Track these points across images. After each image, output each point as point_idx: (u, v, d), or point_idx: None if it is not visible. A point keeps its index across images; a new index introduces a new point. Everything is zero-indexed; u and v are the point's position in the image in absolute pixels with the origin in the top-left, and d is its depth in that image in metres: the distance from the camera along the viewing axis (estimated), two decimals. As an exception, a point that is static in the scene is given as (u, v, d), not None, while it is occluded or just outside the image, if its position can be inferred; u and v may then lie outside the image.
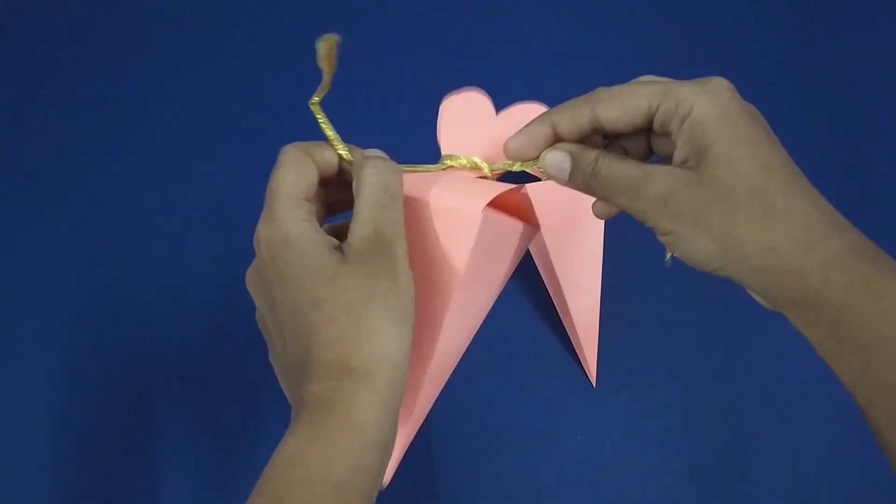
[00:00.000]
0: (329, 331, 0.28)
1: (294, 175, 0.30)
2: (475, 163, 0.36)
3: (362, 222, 0.29)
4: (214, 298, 0.58)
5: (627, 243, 0.60)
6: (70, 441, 0.53)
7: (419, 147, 0.38)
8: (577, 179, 0.32)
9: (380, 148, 0.34)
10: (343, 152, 0.32)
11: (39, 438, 0.54)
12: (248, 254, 0.59)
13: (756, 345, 0.57)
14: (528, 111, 0.38)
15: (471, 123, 0.37)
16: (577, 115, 0.31)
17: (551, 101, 0.67)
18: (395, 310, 0.28)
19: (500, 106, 0.40)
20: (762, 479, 0.52)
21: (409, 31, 0.69)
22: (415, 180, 0.34)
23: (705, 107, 0.27)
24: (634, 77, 0.32)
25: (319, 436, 0.26)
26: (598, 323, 0.54)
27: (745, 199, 0.26)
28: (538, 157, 0.33)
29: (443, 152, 0.35)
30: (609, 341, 0.55)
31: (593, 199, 0.54)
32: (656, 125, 0.30)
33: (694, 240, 0.28)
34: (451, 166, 0.36)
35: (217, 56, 0.68)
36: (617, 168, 0.30)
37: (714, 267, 0.28)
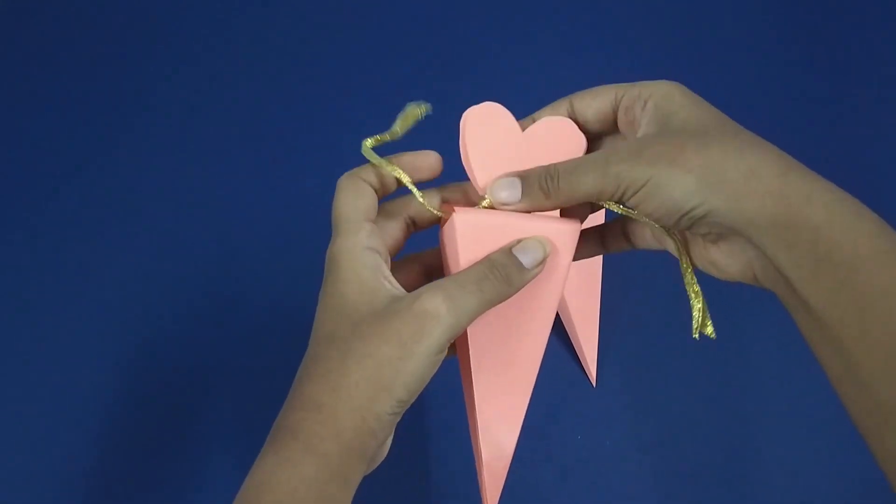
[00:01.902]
0: (321, 366, 0.29)
1: (350, 198, 0.31)
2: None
3: (425, 289, 0.29)
4: (216, 297, 0.58)
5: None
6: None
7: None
8: (533, 189, 0.31)
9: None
10: (404, 179, 0.32)
11: (44, 441, 0.54)
12: (249, 253, 0.59)
13: (756, 345, 0.57)
14: (553, 126, 0.34)
15: (497, 138, 0.33)
16: (556, 107, 0.32)
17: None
18: (384, 379, 0.28)
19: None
20: (762, 479, 0.52)
21: (415, 33, 0.69)
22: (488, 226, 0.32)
23: (668, 87, 0.29)
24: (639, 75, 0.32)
25: (286, 459, 0.27)
26: (598, 323, 0.54)
27: (718, 136, 0.27)
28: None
29: (475, 171, 0.33)
30: (609, 341, 0.55)
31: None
32: (620, 112, 0.31)
33: (671, 178, 0.27)
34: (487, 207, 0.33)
35: (218, 56, 0.68)
36: (574, 160, 0.30)
37: (694, 203, 0.27)
